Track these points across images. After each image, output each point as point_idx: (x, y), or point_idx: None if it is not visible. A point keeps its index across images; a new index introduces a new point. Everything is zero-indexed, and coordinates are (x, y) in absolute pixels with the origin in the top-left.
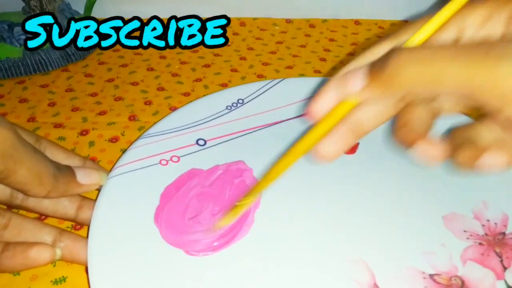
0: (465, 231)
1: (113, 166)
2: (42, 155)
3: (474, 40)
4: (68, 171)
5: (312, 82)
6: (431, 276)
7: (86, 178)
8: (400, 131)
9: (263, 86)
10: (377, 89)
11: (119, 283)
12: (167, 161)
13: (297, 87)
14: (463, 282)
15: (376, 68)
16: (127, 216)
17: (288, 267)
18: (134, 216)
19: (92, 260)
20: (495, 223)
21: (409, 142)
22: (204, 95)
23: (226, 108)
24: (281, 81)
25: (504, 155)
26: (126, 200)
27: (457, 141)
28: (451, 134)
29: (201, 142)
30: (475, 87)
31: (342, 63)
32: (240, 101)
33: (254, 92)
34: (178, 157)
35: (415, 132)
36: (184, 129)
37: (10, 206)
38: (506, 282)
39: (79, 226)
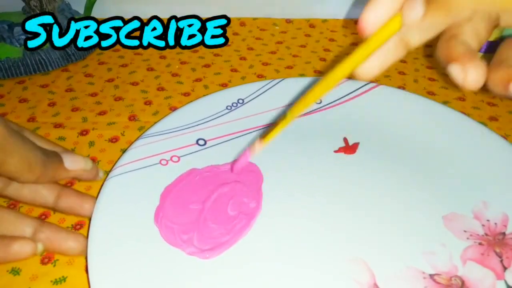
0: (465, 231)
1: (113, 166)
2: (31, 143)
3: None
4: (56, 157)
5: (312, 82)
6: (431, 276)
7: (72, 163)
8: (447, 43)
9: (263, 86)
10: (437, 16)
11: (119, 283)
12: (167, 161)
13: (297, 87)
14: (463, 282)
15: None
16: (127, 216)
17: (288, 267)
18: (134, 216)
19: (92, 260)
20: (495, 223)
21: (453, 57)
22: (204, 95)
23: (226, 108)
24: (281, 81)
25: None
26: (126, 200)
27: (498, 58)
28: (497, 50)
29: (201, 142)
30: None
31: None
32: (240, 101)
33: (254, 92)
34: (178, 157)
35: (461, 47)
36: (184, 129)
37: None
38: (506, 282)
39: (79, 226)
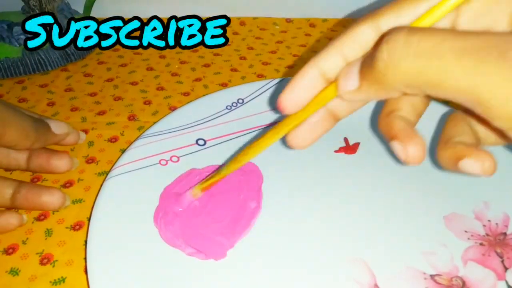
0: (466, 231)
1: (112, 166)
2: (23, 113)
3: (478, 29)
4: (44, 123)
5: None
6: (432, 276)
7: (58, 128)
8: (384, 120)
9: (263, 86)
10: (370, 89)
11: (119, 283)
12: (166, 161)
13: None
14: (464, 283)
15: (367, 63)
16: (126, 216)
17: (288, 267)
18: (133, 216)
19: (92, 260)
20: (496, 224)
21: (391, 135)
22: (204, 95)
23: (226, 108)
24: (281, 80)
25: (483, 162)
26: (125, 201)
27: (445, 136)
28: (443, 125)
29: (201, 142)
30: (481, 100)
31: None
32: (240, 101)
33: (254, 92)
34: (178, 157)
35: (399, 124)
36: (183, 129)
37: None
38: (507, 282)
39: (78, 226)
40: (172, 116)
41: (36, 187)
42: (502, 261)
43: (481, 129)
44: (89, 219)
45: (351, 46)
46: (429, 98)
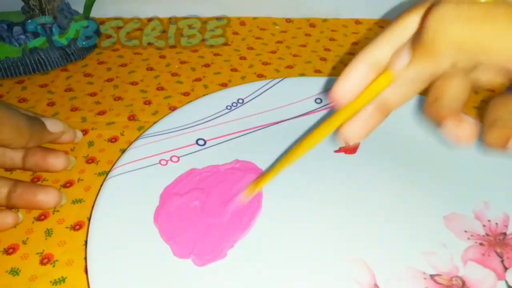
0: (466, 231)
1: (112, 166)
2: (17, 111)
3: None
4: (39, 122)
5: (312, 81)
6: (431, 276)
7: (54, 126)
8: (431, 106)
9: (263, 86)
10: (421, 61)
11: (119, 283)
12: (166, 161)
13: (297, 87)
14: (463, 283)
15: (417, 36)
16: (126, 216)
17: (288, 267)
18: (133, 216)
19: (92, 260)
20: (496, 223)
21: (440, 119)
22: (204, 95)
23: (226, 108)
24: (281, 80)
25: None
26: (125, 200)
27: (490, 118)
28: (486, 110)
29: (201, 142)
30: None
31: (342, 62)
32: (240, 101)
33: (254, 92)
34: (178, 157)
35: (446, 107)
36: (183, 129)
37: None
38: (507, 282)
39: (78, 227)
40: (172, 116)
41: (32, 186)
42: (502, 261)
43: None
44: (89, 219)
45: (399, 35)
46: (469, 87)
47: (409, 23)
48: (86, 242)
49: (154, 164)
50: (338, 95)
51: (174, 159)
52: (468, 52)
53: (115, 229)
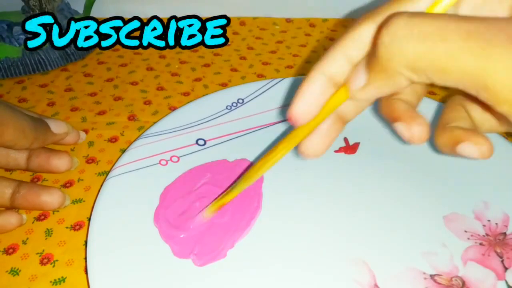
0: (466, 231)
1: (112, 166)
2: (21, 113)
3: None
4: (43, 123)
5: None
6: (431, 276)
7: (57, 127)
8: (386, 104)
9: (263, 86)
10: (378, 80)
11: (119, 283)
12: (166, 161)
13: (297, 87)
14: (463, 283)
15: (372, 54)
16: (126, 216)
17: (288, 267)
18: (133, 216)
19: (92, 260)
20: (496, 224)
21: (394, 117)
22: (204, 95)
23: (226, 108)
24: (281, 80)
25: (481, 146)
26: (126, 200)
27: (443, 120)
28: (442, 110)
29: (201, 142)
30: (488, 85)
31: None
32: (240, 101)
33: (254, 92)
34: (178, 157)
35: (402, 106)
36: (183, 129)
37: None
38: (507, 282)
39: (78, 226)
40: (172, 116)
41: (35, 186)
42: (502, 261)
43: (476, 116)
44: (89, 219)
45: (353, 46)
46: (424, 88)
47: (362, 33)
48: (86, 242)
49: (154, 164)
50: (297, 116)
51: (174, 159)
52: (424, 72)
53: (115, 229)
